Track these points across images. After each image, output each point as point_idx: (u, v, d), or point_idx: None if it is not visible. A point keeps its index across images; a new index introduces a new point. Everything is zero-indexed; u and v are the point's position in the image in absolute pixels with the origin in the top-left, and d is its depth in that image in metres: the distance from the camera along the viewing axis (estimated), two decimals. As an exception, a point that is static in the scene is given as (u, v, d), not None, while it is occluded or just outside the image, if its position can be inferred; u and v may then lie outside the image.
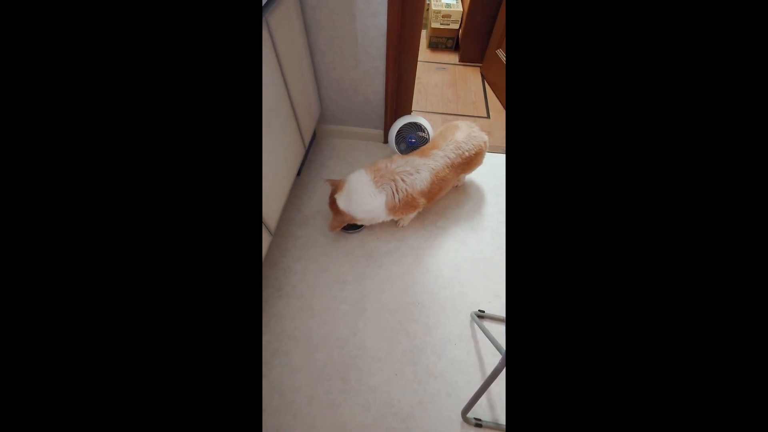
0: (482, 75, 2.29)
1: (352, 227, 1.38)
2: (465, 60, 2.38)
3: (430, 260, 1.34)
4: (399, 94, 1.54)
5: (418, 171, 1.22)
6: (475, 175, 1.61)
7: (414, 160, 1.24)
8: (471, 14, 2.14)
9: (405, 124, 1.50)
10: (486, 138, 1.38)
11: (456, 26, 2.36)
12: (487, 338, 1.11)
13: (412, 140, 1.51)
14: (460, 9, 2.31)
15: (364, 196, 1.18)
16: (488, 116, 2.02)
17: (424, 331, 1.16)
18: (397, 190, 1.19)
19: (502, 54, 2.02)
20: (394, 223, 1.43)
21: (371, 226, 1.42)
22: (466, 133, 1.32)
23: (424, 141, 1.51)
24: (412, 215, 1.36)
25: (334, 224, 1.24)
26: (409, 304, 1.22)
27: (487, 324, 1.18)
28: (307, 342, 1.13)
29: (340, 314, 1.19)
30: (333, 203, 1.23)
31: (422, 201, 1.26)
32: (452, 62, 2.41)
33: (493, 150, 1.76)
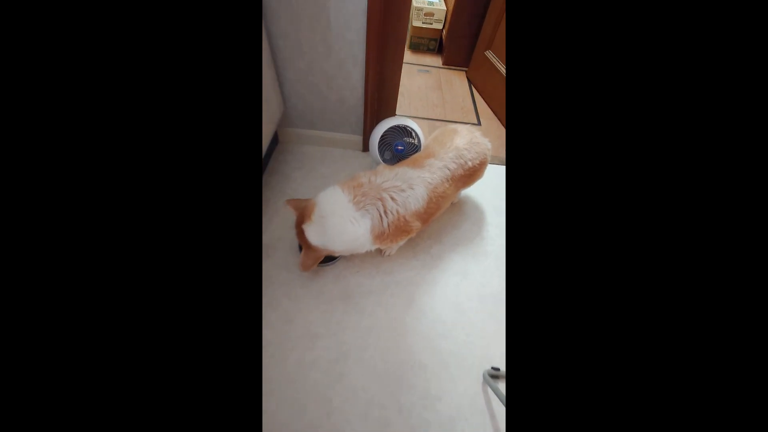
0: (468, 79, 2.09)
1: (325, 258, 1.06)
2: (449, 63, 2.18)
3: (426, 300, 1.05)
4: (381, 91, 1.27)
5: (412, 186, 0.93)
6: (471, 190, 1.36)
7: (405, 172, 0.96)
8: (456, 12, 1.95)
9: (390, 128, 1.22)
10: (489, 145, 1.13)
11: (439, 26, 2.15)
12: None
13: (400, 148, 1.23)
14: (444, 8, 2.11)
15: (343, 222, 0.87)
16: (479, 123, 1.80)
17: (423, 403, 0.86)
18: (385, 212, 0.89)
19: (491, 55, 1.83)
20: (379, 251, 1.13)
21: (350, 256, 1.11)
22: (467, 139, 1.07)
23: (414, 149, 1.24)
24: (402, 242, 1.07)
25: (306, 262, 0.92)
26: (402, 363, 0.91)
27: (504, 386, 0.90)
28: (260, 433, 0.78)
29: (308, 386, 0.85)
30: (301, 235, 0.91)
31: (416, 224, 0.97)
32: (435, 65, 2.20)
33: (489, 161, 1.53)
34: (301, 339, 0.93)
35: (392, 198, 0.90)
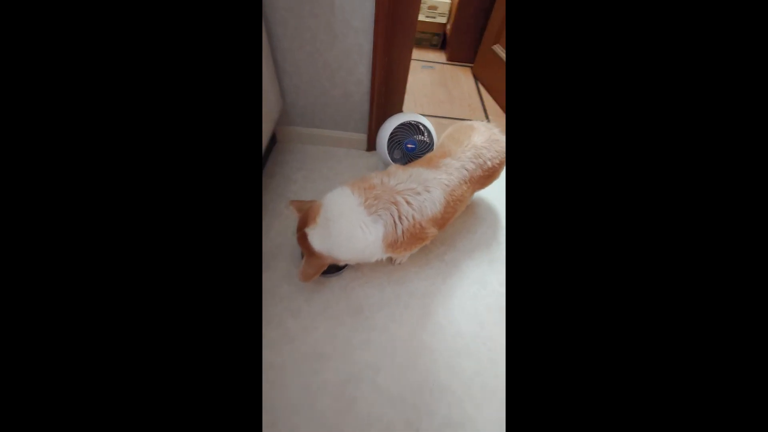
0: (474, 76, 2.00)
1: (331, 268, 0.96)
2: (454, 59, 2.10)
3: (442, 313, 0.95)
4: (389, 85, 1.18)
5: (428, 189, 0.84)
6: (485, 191, 1.27)
7: (420, 173, 0.86)
8: (462, 5, 1.86)
9: (400, 125, 1.13)
10: (508, 143, 1.04)
11: (443, 20, 2.07)
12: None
13: (410, 146, 1.14)
14: (448, 0, 2.03)
15: (351, 227, 0.77)
16: (487, 120, 1.72)
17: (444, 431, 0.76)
18: (399, 218, 0.80)
19: (499, 50, 1.74)
20: (389, 259, 1.03)
21: (357, 265, 1.01)
22: (485, 136, 0.98)
23: (426, 147, 1.15)
24: (415, 250, 0.98)
25: (308, 272, 0.82)
26: (420, 386, 0.82)
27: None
28: (262, 473, 0.68)
29: (316, 413, 0.76)
30: (303, 239, 0.81)
31: (433, 231, 0.88)
32: (439, 61, 2.12)
33: (502, 160, 1.44)
34: (306, 360, 0.83)
35: (407, 202, 0.81)
